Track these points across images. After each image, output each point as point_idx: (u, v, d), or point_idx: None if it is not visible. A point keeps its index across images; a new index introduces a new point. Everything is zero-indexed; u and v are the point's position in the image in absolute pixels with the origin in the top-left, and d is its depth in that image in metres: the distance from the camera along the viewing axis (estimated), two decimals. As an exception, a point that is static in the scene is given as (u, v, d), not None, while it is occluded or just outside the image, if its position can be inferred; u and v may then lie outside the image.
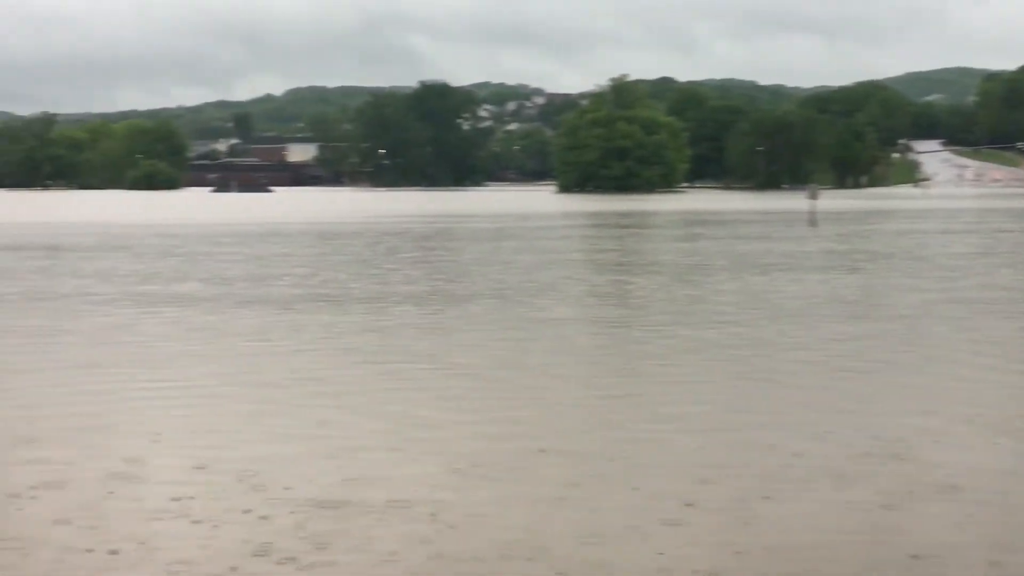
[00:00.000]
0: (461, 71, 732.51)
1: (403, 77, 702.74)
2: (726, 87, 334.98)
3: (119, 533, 8.40)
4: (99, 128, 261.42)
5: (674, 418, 12.34)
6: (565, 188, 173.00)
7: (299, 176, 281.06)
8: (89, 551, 8.01)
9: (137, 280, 29.26)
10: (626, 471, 10.14)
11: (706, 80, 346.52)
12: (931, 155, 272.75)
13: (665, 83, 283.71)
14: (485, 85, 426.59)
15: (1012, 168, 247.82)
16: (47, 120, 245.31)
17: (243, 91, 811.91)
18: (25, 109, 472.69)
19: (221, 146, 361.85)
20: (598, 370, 15.76)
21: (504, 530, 8.43)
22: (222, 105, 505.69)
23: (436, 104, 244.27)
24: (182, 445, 11.18)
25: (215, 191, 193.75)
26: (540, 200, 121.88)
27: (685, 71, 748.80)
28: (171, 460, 10.61)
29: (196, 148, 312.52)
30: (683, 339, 18.47)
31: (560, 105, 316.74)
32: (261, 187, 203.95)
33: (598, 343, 18.48)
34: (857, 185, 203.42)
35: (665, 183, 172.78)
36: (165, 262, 35.53)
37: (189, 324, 20.59)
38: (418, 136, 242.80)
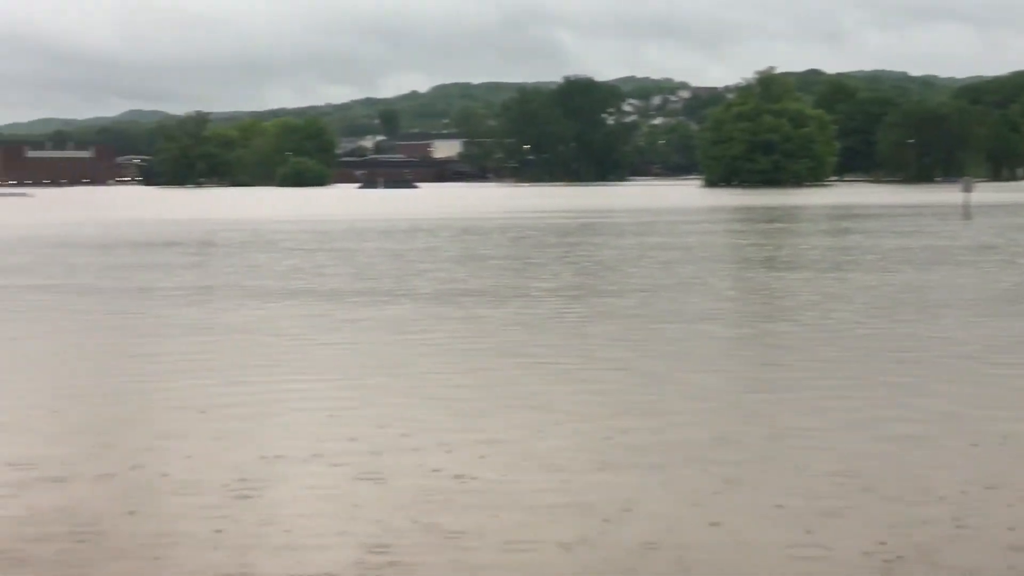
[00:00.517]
0: (604, 66, 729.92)
1: (547, 72, 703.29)
2: (876, 78, 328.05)
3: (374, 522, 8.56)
4: (250, 126, 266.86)
5: (822, 411, 12.19)
6: (710, 183, 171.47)
7: (444, 172, 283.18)
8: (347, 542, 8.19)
9: (286, 275, 29.76)
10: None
11: (855, 71, 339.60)
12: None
13: (813, 75, 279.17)
14: (630, 80, 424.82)
15: None
16: (200, 119, 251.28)
17: (388, 88, 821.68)
18: (179, 108, 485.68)
19: (368, 143, 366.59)
20: (746, 364, 15.58)
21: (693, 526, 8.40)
22: (368, 103, 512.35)
23: (581, 99, 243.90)
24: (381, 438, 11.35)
25: (362, 187, 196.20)
26: (685, 195, 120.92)
27: (833, 62, 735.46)
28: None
29: (344, 145, 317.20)
30: (823, 332, 18.18)
31: (705, 99, 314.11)
32: (407, 183, 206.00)
33: (743, 338, 18.26)
34: (1013, 177, 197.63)
35: (813, 177, 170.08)
36: (314, 257, 36.06)
37: (338, 318, 20.87)
38: (563, 131, 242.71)
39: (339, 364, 15.68)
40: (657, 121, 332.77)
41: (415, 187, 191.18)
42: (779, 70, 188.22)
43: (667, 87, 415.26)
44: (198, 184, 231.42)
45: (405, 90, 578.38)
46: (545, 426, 11.71)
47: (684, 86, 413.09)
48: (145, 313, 21.92)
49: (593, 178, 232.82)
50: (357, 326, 19.73)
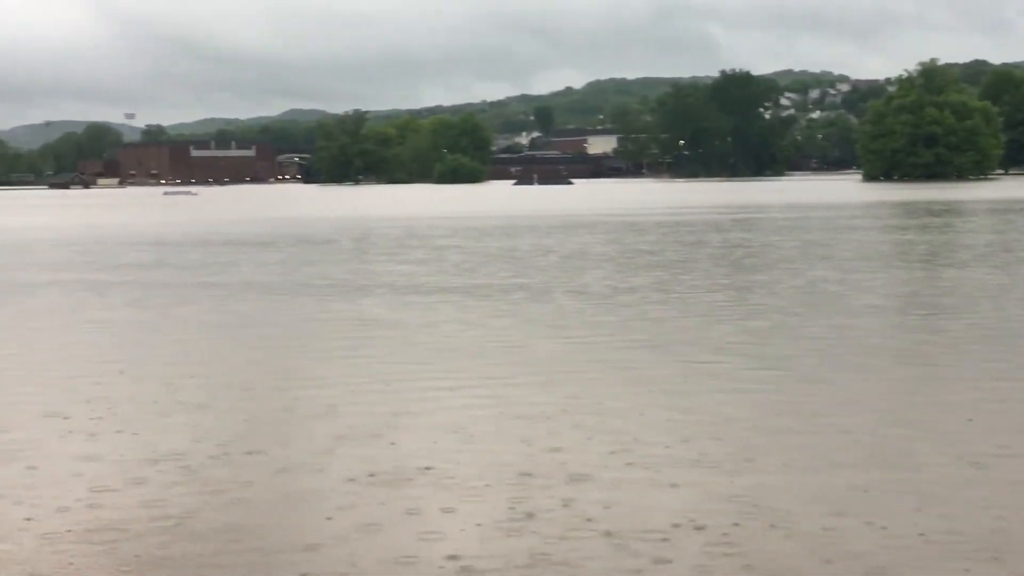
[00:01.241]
0: (758, 59, 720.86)
1: (701, 67, 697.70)
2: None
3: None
4: (407, 124, 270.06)
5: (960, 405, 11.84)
6: (870, 177, 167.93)
7: (599, 168, 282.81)
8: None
9: (442, 271, 29.98)
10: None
11: (1022, 62, 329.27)
12: None
13: (977, 66, 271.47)
14: (787, 73, 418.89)
15: None
16: (358, 117, 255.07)
17: (543, 84, 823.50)
18: (337, 107, 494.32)
19: (523, 139, 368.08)
20: (906, 362, 15.21)
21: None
22: (523, 99, 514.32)
23: (737, 93, 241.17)
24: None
25: (517, 184, 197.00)
26: (844, 189, 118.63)
27: (997, 53, 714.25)
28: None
29: (499, 142, 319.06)
30: (992, 331, 17.64)
31: (865, 91, 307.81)
32: (562, 179, 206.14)
33: (909, 333, 17.82)
34: None
35: (978, 170, 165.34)
36: (468, 254, 36.26)
37: (491, 314, 20.95)
38: (719, 126, 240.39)
39: (498, 360, 15.71)
40: (815, 115, 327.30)
41: (570, 183, 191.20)
42: (942, 62, 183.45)
43: (825, 80, 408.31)
44: (356, 181, 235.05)
45: (560, 86, 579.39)
46: (712, 430, 11.57)
47: (843, 79, 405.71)
48: (302, 308, 22.26)
49: (749, 173, 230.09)
50: (512, 323, 19.75)
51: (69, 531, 8.36)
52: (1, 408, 12.93)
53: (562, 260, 33.14)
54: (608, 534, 8.15)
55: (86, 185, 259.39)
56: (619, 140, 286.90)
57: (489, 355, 16.22)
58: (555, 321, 19.87)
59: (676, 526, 8.31)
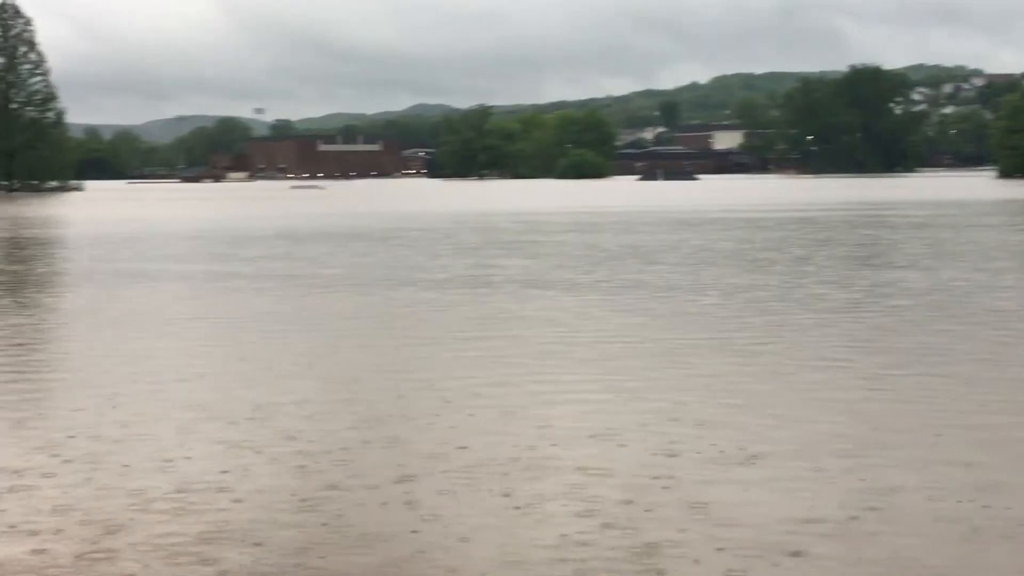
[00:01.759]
0: (889, 53, 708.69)
1: (829, 61, 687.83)
2: None
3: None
4: (531, 119, 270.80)
5: None
6: (1005, 173, 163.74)
7: (724, 163, 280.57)
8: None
9: (562, 265, 29.95)
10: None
11: None
12: None
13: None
14: (919, 68, 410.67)
15: None
16: (483, 112, 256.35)
17: (667, 79, 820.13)
18: (462, 102, 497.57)
19: (647, 134, 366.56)
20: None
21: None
22: (648, 94, 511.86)
23: (867, 88, 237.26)
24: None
25: (641, 179, 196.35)
26: (978, 186, 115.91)
27: None
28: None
29: (623, 137, 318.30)
30: None
31: (1001, 86, 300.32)
32: (686, 174, 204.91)
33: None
34: None
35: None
36: (590, 249, 36.17)
37: (615, 310, 20.83)
38: (848, 121, 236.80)
39: (623, 357, 15.60)
40: (948, 110, 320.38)
41: (695, 179, 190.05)
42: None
43: (959, 74, 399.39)
44: (480, 176, 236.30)
45: (685, 81, 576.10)
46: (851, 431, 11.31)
47: (977, 73, 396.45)
48: (421, 304, 22.36)
49: (879, 169, 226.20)
50: (638, 320, 19.60)
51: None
52: (159, 410, 13.08)
53: (687, 256, 32.86)
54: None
55: (217, 179, 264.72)
56: (745, 135, 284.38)
57: (625, 355, 16.08)
58: (682, 320, 19.66)
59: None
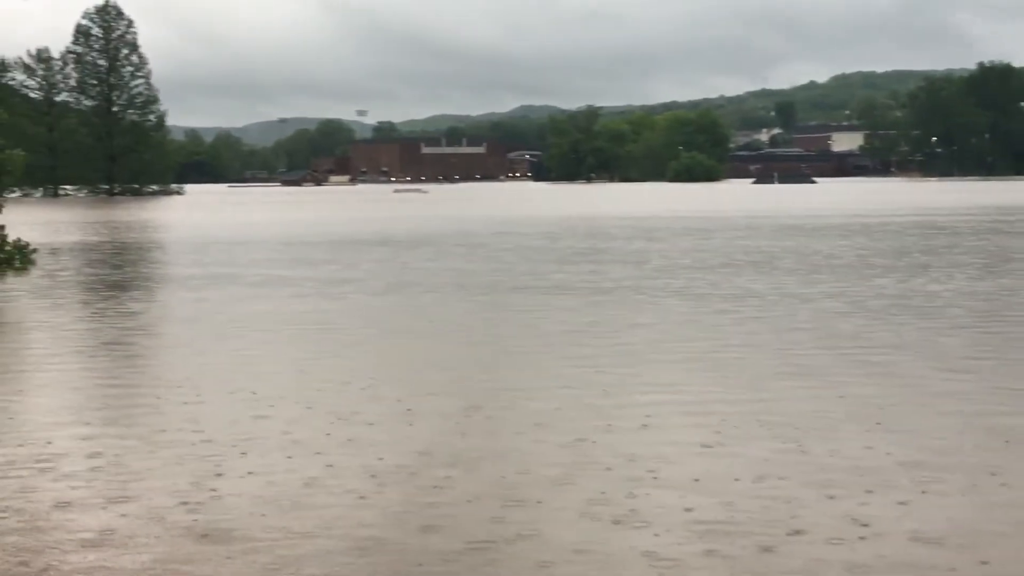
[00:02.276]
0: (1018, 51, 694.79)
1: (954, 59, 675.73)
2: None
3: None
4: (641, 120, 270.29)
5: None
6: None
7: (843, 166, 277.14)
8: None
9: (670, 272, 29.79)
10: None
11: None
12: None
13: None
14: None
15: None
16: (591, 113, 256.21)
17: (782, 79, 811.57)
18: (569, 103, 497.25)
19: (762, 136, 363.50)
20: None
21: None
22: (763, 94, 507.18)
23: (996, 87, 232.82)
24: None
25: (756, 182, 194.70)
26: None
27: None
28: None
29: (737, 138, 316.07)
30: None
31: None
32: (803, 177, 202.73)
33: None
34: None
35: None
36: (705, 253, 35.94)
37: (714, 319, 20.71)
38: (975, 122, 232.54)
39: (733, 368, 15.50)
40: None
41: (813, 182, 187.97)
42: None
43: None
44: (588, 179, 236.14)
45: (802, 80, 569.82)
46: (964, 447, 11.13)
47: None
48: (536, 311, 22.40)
49: (1009, 172, 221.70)
50: (752, 327, 19.46)
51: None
52: (308, 416, 13.26)
53: (803, 262, 32.51)
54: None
55: (318, 182, 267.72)
56: (866, 137, 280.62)
57: (740, 365, 15.99)
58: (800, 329, 19.47)
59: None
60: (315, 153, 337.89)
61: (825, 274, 28.97)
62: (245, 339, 18.78)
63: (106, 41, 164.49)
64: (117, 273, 32.80)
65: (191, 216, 79.19)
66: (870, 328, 19.14)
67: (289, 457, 10.71)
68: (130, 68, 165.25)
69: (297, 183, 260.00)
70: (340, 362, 16.31)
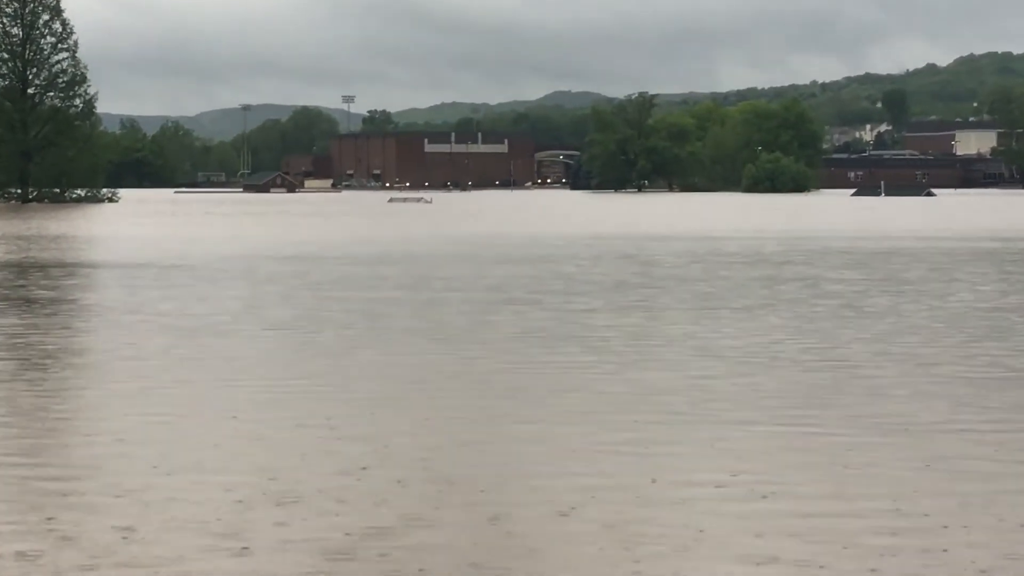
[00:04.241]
0: None
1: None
2: None
3: None
4: (708, 112, 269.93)
5: None
6: None
7: (970, 174, 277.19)
8: None
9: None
10: None
11: None
12: None
13: None
14: None
15: None
16: (643, 103, 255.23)
17: (889, 61, 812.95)
18: (615, 90, 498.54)
19: (866, 134, 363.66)
20: None
21: None
22: (866, 80, 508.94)
23: None
24: None
25: (857, 194, 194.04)
26: None
27: None
28: None
29: (833, 137, 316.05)
30: None
31: None
32: (918, 189, 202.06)
33: None
34: None
35: None
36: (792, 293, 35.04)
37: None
38: None
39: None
40: None
41: (930, 194, 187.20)
42: None
43: None
44: (639, 188, 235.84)
45: (917, 63, 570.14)
46: None
47: None
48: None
49: None
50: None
51: None
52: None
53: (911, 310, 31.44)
54: None
55: (291, 188, 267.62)
56: (999, 137, 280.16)
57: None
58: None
59: None
60: (288, 150, 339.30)
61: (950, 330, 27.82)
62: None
63: (20, 4, 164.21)
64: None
65: (126, 229, 78.72)
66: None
67: None
68: (51, 39, 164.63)
69: (265, 188, 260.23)
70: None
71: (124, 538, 11.17)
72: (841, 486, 13.18)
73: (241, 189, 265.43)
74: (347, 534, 11.28)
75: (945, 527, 11.54)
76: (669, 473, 13.90)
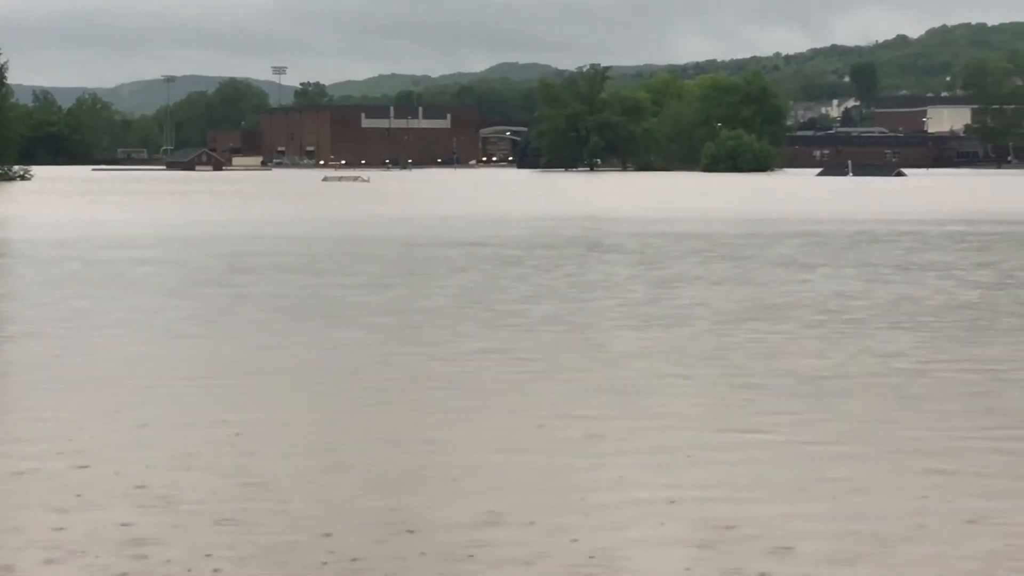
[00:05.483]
0: None
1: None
2: None
3: None
4: (665, 86, 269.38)
5: None
6: None
7: (943, 152, 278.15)
8: None
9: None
10: None
11: None
12: None
13: None
14: None
15: None
16: (596, 75, 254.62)
17: (857, 32, 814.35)
18: (566, 61, 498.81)
19: (832, 110, 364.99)
20: None
21: None
22: (833, 52, 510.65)
23: None
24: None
25: (822, 174, 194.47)
26: None
27: None
28: None
29: (798, 113, 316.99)
30: None
31: None
32: (888, 169, 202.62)
33: None
34: None
35: None
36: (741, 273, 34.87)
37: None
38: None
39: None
40: None
41: (900, 175, 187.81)
42: None
43: None
44: (592, 166, 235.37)
45: (886, 35, 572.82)
46: None
47: None
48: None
49: None
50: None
51: None
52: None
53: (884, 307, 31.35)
54: None
55: (217, 165, 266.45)
56: (974, 113, 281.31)
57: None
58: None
59: None
60: (214, 125, 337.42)
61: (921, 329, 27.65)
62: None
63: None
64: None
65: (40, 210, 78.58)
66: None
67: None
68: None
69: (189, 166, 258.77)
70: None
71: None
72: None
73: (164, 167, 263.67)
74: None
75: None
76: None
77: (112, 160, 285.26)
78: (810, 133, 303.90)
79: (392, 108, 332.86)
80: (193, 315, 27.47)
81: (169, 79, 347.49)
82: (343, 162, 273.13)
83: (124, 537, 11.61)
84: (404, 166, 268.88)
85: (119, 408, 17.54)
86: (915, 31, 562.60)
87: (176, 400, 18.19)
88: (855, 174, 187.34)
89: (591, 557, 11.29)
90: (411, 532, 11.86)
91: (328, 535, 11.70)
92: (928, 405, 17.82)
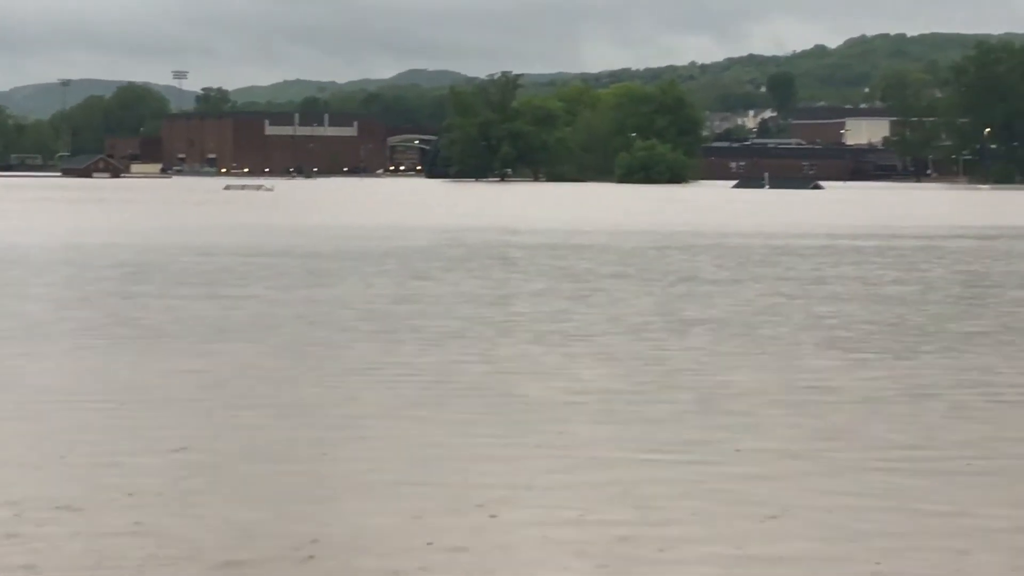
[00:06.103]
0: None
1: (1016, 21, 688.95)
2: None
3: None
4: (578, 95, 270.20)
5: None
6: None
7: (860, 165, 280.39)
8: None
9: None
10: None
11: None
12: None
13: None
14: None
15: None
16: (507, 83, 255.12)
17: (772, 42, 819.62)
18: (476, 68, 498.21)
19: (749, 121, 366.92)
20: None
21: None
22: (750, 62, 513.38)
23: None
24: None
25: (738, 186, 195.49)
26: None
27: None
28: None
29: (714, 123, 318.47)
30: None
31: None
32: (805, 181, 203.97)
33: None
34: None
35: None
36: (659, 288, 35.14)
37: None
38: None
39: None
40: None
41: (818, 187, 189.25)
42: None
43: None
44: (502, 177, 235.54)
45: (804, 44, 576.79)
46: None
47: None
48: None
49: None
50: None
51: None
52: None
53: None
54: None
55: (115, 172, 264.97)
56: (893, 125, 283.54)
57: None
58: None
59: None
60: (112, 130, 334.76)
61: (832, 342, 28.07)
62: None
63: None
64: None
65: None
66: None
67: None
68: None
69: (86, 173, 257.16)
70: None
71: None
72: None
73: (59, 173, 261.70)
74: None
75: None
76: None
77: (5, 166, 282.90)
78: (726, 144, 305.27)
79: (297, 115, 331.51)
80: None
81: (65, 83, 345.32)
82: (246, 170, 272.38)
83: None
84: (309, 175, 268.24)
85: None
86: (833, 41, 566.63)
87: None
88: (772, 186, 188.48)
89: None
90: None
91: None
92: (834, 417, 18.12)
